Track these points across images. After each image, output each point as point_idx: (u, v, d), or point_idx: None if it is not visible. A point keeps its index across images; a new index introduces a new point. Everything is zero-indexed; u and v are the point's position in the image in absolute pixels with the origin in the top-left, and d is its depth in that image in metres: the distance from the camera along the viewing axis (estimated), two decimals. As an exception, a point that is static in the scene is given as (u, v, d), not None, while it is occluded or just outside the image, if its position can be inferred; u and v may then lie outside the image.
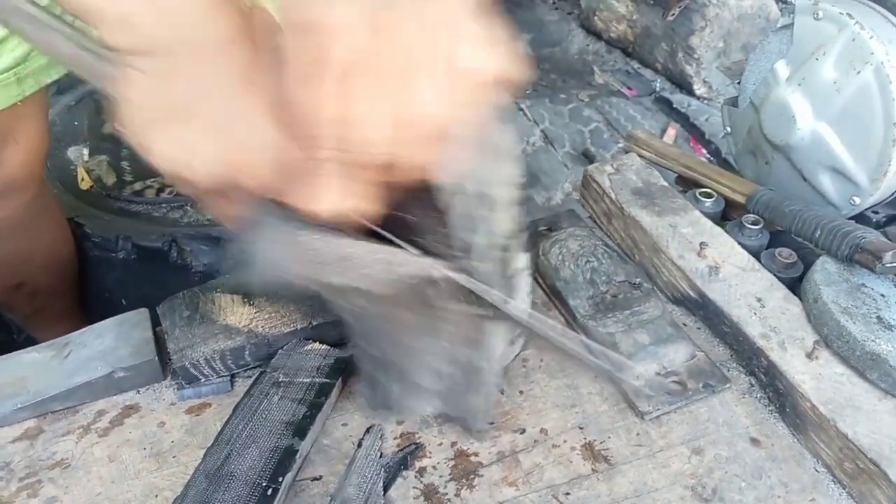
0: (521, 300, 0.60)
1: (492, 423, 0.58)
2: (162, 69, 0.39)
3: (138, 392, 0.62)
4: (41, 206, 0.95)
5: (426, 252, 0.48)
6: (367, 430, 0.58)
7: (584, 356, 0.48)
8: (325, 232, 0.43)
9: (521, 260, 0.57)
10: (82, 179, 1.24)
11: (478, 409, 0.55)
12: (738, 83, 0.88)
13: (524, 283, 0.59)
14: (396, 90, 0.36)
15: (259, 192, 0.43)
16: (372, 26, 0.35)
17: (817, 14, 0.75)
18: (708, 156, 1.68)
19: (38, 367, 0.61)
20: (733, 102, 0.91)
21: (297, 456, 0.55)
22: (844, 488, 0.55)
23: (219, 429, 0.57)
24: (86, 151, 1.30)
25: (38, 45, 0.45)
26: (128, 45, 0.39)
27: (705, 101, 1.91)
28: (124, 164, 1.29)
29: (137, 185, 1.26)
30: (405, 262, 0.45)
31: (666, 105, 1.90)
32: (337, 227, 0.42)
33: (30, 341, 0.64)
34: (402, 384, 0.55)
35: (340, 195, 0.39)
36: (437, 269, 0.46)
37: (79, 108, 1.36)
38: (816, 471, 0.57)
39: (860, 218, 0.77)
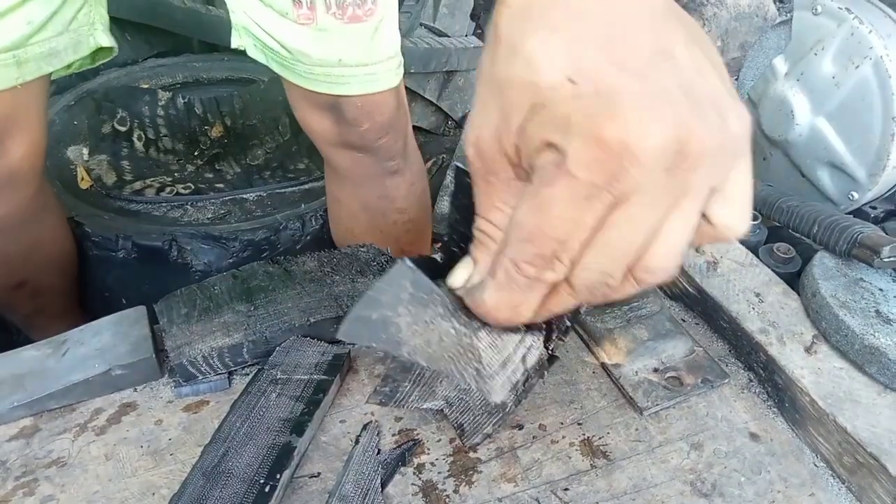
0: None
1: (487, 437, 0.58)
2: None
3: (135, 390, 0.62)
4: (42, 203, 0.95)
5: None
6: (364, 427, 0.58)
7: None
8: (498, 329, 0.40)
9: None
10: (82, 179, 1.23)
11: (482, 430, 0.55)
12: (736, 79, 0.88)
13: None
14: (653, 228, 0.32)
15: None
16: (678, 149, 0.29)
17: (816, 9, 0.75)
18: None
19: (34, 364, 0.61)
20: (731, 99, 0.90)
21: (295, 453, 0.55)
22: (844, 483, 0.55)
23: (216, 426, 0.57)
24: (85, 151, 1.30)
25: None
26: None
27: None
28: (124, 163, 1.29)
29: (137, 185, 1.26)
30: (531, 348, 0.43)
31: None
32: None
33: (29, 342, 0.64)
34: (419, 388, 0.55)
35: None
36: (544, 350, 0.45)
37: (78, 107, 1.36)
38: (816, 465, 0.56)
39: (858, 213, 0.77)
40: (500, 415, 0.53)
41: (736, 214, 0.34)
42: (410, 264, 0.39)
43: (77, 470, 0.56)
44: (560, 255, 0.32)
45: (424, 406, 0.57)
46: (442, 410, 0.57)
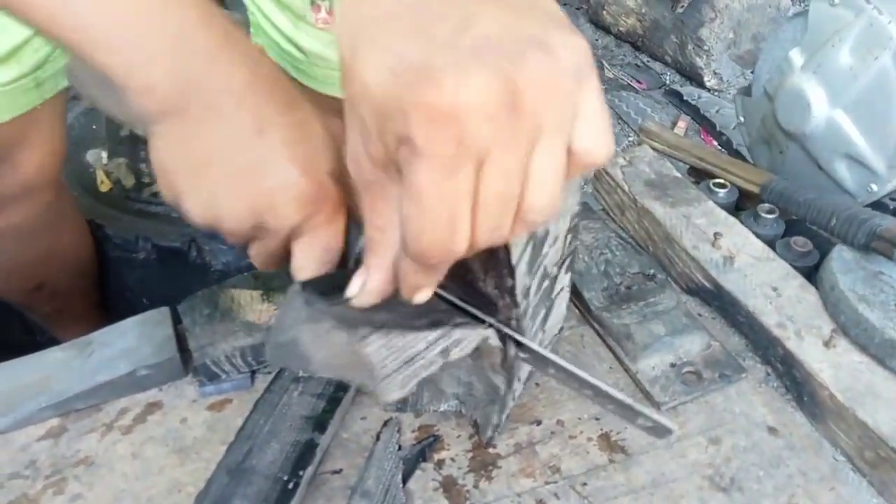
0: (559, 314, 0.60)
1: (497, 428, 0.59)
2: (180, 128, 0.41)
3: (160, 389, 0.63)
4: (60, 209, 0.97)
5: (481, 298, 0.48)
6: (385, 424, 0.59)
7: (605, 392, 0.47)
8: (395, 332, 0.42)
9: (565, 280, 0.57)
10: (101, 182, 1.25)
11: (491, 422, 0.56)
12: (752, 72, 0.88)
13: (564, 297, 0.59)
14: (526, 167, 0.33)
15: (286, 232, 0.43)
16: (509, 95, 0.30)
17: (833, 0, 0.75)
18: (719, 147, 1.67)
19: (61, 366, 0.62)
20: (746, 92, 0.90)
21: (318, 450, 0.55)
22: (865, 477, 0.55)
23: (240, 424, 0.58)
24: (104, 154, 1.31)
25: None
26: (148, 111, 0.41)
27: (716, 93, 1.90)
28: (142, 166, 1.30)
29: (155, 187, 1.27)
30: (460, 343, 0.45)
31: (676, 98, 1.89)
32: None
33: (52, 342, 0.66)
34: (427, 388, 0.56)
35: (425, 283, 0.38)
36: (489, 341, 0.46)
37: (96, 112, 1.38)
38: (836, 459, 0.56)
39: (877, 205, 0.76)
40: (498, 403, 0.53)
41: (592, 138, 0.35)
42: (297, 287, 0.42)
43: (104, 469, 0.57)
44: (456, 234, 0.33)
45: (441, 409, 0.57)
46: (459, 411, 0.58)
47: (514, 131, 0.31)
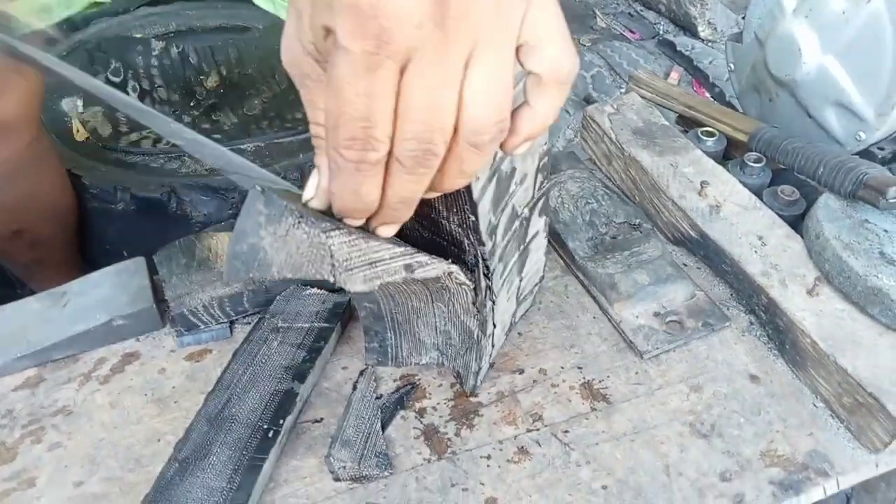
0: (535, 261, 0.60)
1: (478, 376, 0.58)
2: None
3: (138, 340, 0.62)
4: (38, 152, 0.95)
5: (447, 237, 0.47)
6: (361, 374, 0.58)
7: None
8: (357, 234, 0.41)
9: (539, 224, 0.56)
10: (77, 131, 1.22)
11: (471, 370, 0.55)
12: (743, 17, 0.86)
13: (540, 244, 0.58)
14: (460, 81, 0.32)
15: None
16: (438, 5, 0.30)
17: (826, -59, 0.72)
18: (712, 99, 1.65)
19: (36, 316, 0.61)
20: (737, 38, 0.88)
21: (298, 399, 0.55)
22: (843, 422, 0.55)
23: (219, 374, 0.57)
24: (80, 102, 1.27)
25: None
26: None
27: (710, 44, 1.87)
28: (119, 114, 1.27)
29: (133, 136, 1.24)
30: (425, 265, 0.44)
31: (669, 48, 1.86)
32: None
33: (32, 295, 0.65)
34: (405, 339, 0.55)
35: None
36: (453, 275, 0.46)
37: (70, 58, 1.34)
38: (815, 406, 0.57)
39: (865, 154, 0.76)
40: (476, 348, 0.53)
41: (548, 56, 0.34)
42: (259, 188, 0.41)
43: (83, 418, 0.56)
44: (372, 132, 0.33)
45: (422, 362, 0.57)
46: (441, 363, 0.58)
47: (442, 41, 0.31)
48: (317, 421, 0.56)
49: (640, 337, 0.61)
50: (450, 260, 0.45)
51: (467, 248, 0.47)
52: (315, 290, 0.63)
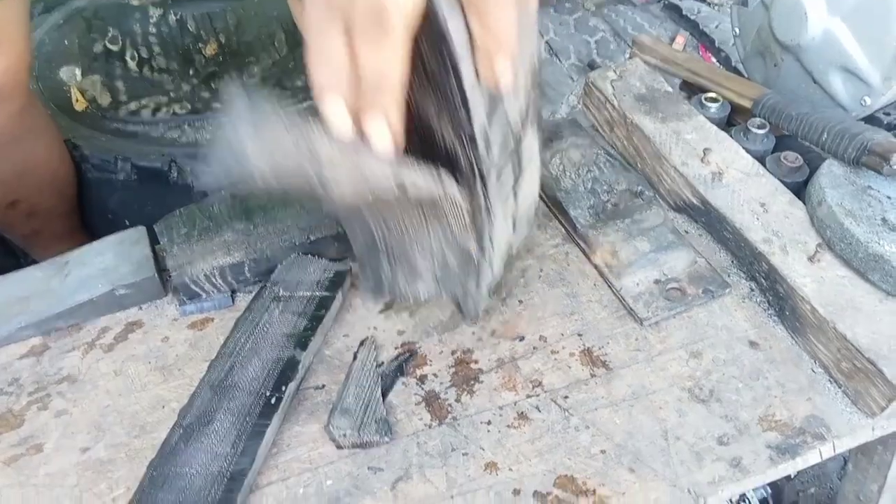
0: (531, 181, 0.59)
1: (485, 312, 0.58)
2: None
3: (140, 308, 0.63)
4: (31, 121, 0.94)
5: (442, 151, 0.47)
6: (362, 343, 0.59)
7: None
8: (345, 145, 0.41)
9: (533, 139, 0.55)
10: (76, 100, 1.21)
11: (470, 295, 0.55)
12: (749, -20, 0.84)
13: (534, 162, 0.58)
14: None
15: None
16: None
17: None
18: (718, 64, 1.62)
19: (38, 285, 0.61)
20: (743, 2, 0.86)
21: (300, 367, 0.56)
22: (840, 387, 0.56)
23: (222, 342, 0.58)
24: (78, 71, 1.26)
25: None
26: None
27: (716, 7, 1.84)
28: (118, 83, 1.26)
29: (133, 105, 1.23)
30: (416, 181, 0.44)
31: (675, 12, 1.83)
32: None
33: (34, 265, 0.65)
34: (400, 268, 0.55)
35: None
36: (444, 189, 0.45)
37: (68, 26, 1.32)
38: (814, 371, 0.57)
39: (871, 119, 0.75)
40: (474, 273, 0.52)
41: None
42: (240, 92, 0.41)
43: (88, 385, 0.57)
44: None
45: (419, 292, 0.56)
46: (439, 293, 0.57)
47: None
48: (319, 387, 0.57)
49: (641, 304, 0.61)
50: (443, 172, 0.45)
51: (461, 160, 0.46)
52: (316, 258, 0.63)
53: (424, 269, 0.55)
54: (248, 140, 0.40)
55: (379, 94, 0.39)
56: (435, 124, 0.46)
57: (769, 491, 0.89)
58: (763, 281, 0.62)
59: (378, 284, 0.55)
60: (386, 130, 0.40)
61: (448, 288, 0.56)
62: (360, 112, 0.40)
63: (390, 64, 0.37)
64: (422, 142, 0.47)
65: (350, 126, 0.40)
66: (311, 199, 0.51)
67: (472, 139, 0.44)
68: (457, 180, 0.47)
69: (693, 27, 1.77)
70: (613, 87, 0.78)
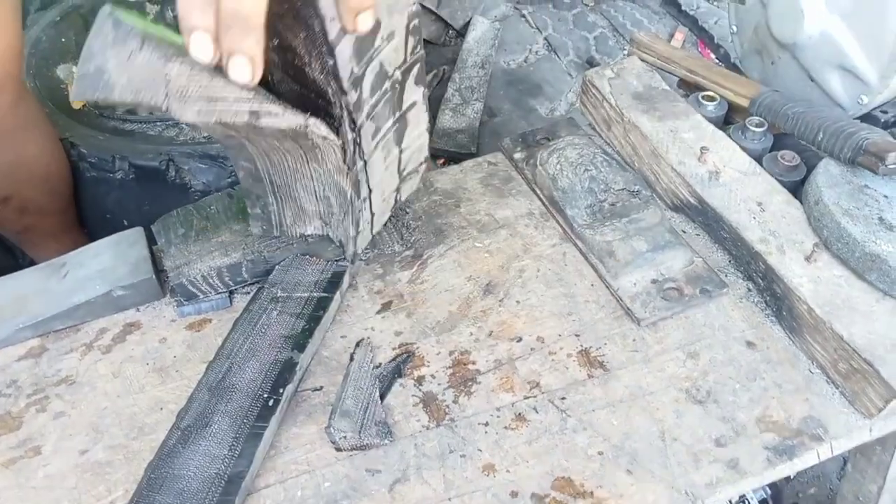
0: (416, 136, 0.59)
1: (366, 254, 0.60)
2: None
3: (138, 310, 0.63)
4: (23, 116, 0.92)
5: (313, 88, 0.48)
6: (358, 344, 0.59)
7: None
8: (202, 69, 0.42)
9: (416, 94, 0.56)
10: (73, 99, 1.21)
11: (349, 235, 0.56)
12: (747, -22, 0.84)
13: (420, 118, 0.58)
14: None
15: None
16: None
17: None
18: (716, 61, 1.62)
19: (36, 287, 0.61)
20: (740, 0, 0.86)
21: (297, 368, 0.56)
22: (837, 388, 0.56)
23: (219, 344, 0.58)
24: (75, 69, 1.26)
25: None
26: None
27: (715, 3, 1.83)
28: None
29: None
30: (274, 114, 0.44)
31: (674, 8, 1.82)
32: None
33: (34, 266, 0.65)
34: (287, 206, 0.56)
35: None
36: (310, 128, 0.46)
37: (65, 23, 1.32)
38: (811, 372, 0.57)
39: (868, 117, 0.75)
40: (351, 211, 0.53)
41: None
42: (107, 9, 0.42)
43: (86, 387, 0.57)
44: None
45: (307, 232, 0.57)
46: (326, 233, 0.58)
47: None
48: (317, 389, 0.57)
49: (638, 304, 0.61)
50: (310, 113, 0.45)
51: (332, 100, 0.47)
52: (314, 259, 0.63)
53: (310, 209, 0.56)
54: (109, 58, 0.42)
55: (242, 30, 0.39)
56: (305, 60, 0.46)
57: (769, 491, 0.89)
58: (760, 281, 0.62)
59: (267, 219, 0.57)
60: (246, 62, 0.41)
61: (333, 229, 0.57)
62: (222, 40, 0.40)
63: (253, 3, 0.39)
64: (295, 72, 0.48)
65: (211, 55, 0.41)
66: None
67: (342, 87, 0.46)
68: (329, 118, 0.47)
69: (692, 23, 1.76)
70: (611, 86, 0.78)
